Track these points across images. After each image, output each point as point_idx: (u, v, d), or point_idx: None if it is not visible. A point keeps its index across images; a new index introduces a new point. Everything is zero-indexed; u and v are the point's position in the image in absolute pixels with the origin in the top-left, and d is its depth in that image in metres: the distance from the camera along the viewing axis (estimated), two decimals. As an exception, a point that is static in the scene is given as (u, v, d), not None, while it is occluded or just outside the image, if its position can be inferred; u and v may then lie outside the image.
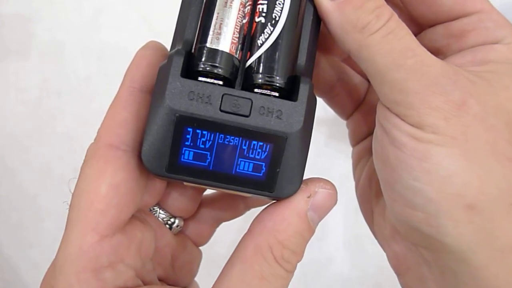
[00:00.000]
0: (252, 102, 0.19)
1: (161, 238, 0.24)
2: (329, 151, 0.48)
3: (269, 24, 0.20)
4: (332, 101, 0.29)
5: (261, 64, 0.19)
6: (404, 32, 0.20)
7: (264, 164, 0.19)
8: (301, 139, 0.19)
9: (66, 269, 0.18)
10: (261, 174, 0.19)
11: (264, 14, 0.20)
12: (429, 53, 0.20)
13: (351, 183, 0.30)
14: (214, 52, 0.19)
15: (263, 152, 0.19)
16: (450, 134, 0.19)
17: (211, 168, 0.19)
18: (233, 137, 0.19)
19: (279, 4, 0.20)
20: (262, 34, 0.20)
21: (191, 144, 0.19)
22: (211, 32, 0.19)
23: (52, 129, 0.48)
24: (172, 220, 0.25)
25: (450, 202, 0.19)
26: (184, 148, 0.19)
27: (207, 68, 0.19)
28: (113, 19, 0.50)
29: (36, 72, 0.49)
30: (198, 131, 0.19)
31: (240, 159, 0.19)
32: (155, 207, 0.24)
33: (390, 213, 0.22)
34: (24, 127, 0.48)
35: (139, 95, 0.20)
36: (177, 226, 0.25)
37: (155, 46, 0.22)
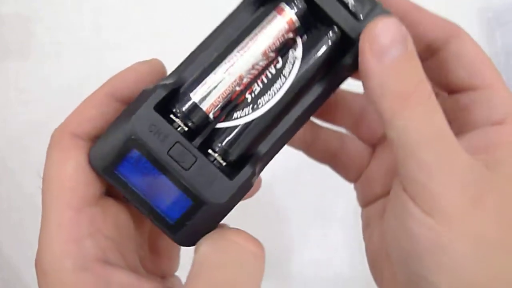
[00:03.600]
0: (195, 161, 0.20)
1: (140, 222, 0.24)
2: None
3: (251, 105, 0.21)
4: (336, 168, 0.29)
5: (225, 135, 0.21)
6: (440, 114, 0.20)
7: (178, 212, 0.20)
8: (218, 211, 0.21)
9: (50, 243, 0.20)
10: (172, 219, 0.21)
11: (253, 95, 0.21)
12: (457, 142, 0.20)
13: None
14: (193, 105, 0.21)
15: (182, 203, 0.20)
16: (464, 229, 0.19)
17: (136, 189, 0.21)
18: (165, 178, 0.20)
19: (270, 94, 0.21)
20: (241, 111, 0.21)
21: (132, 163, 0.20)
22: (200, 85, 0.21)
23: (52, 129, 0.48)
24: None
25: None
26: (124, 162, 0.20)
27: (179, 114, 0.21)
28: (113, 19, 0.50)
29: (36, 72, 0.49)
30: (142, 157, 0.20)
31: (163, 197, 0.20)
32: None
33: (400, 283, 0.22)
34: (24, 127, 0.48)
35: (112, 102, 0.22)
36: None
37: (153, 66, 0.23)
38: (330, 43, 0.21)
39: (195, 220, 0.20)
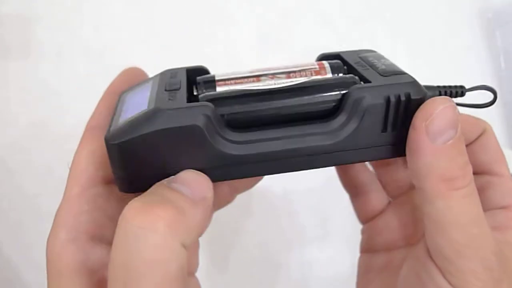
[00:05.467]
0: (178, 89, 0.22)
1: None
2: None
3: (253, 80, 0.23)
4: (354, 200, 0.31)
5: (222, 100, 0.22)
6: (478, 199, 0.21)
7: (132, 112, 0.22)
8: (158, 121, 0.21)
9: (57, 216, 0.23)
10: (125, 118, 0.22)
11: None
12: (488, 226, 0.21)
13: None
14: (212, 83, 0.23)
15: (140, 107, 0.22)
16: None
17: (127, 104, 0.23)
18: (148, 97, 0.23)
19: (274, 83, 0.23)
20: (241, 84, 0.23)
21: (141, 89, 0.24)
22: (229, 77, 0.23)
23: (52, 129, 0.48)
24: None
25: None
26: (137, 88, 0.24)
27: (199, 94, 0.23)
28: (113, 19, 0.50)
29: (36, 72, 0.49)
30: (148, 86, 0.23)
31: (134, 106, 0.22)
32: None
33: None
34: (24, 127, 0.48)
35: (114, 97, 0.25)
36: None
37: (134, 71, 0.27)
38: (347, 80, 0.23)
39: (136, 117, 0.21)
